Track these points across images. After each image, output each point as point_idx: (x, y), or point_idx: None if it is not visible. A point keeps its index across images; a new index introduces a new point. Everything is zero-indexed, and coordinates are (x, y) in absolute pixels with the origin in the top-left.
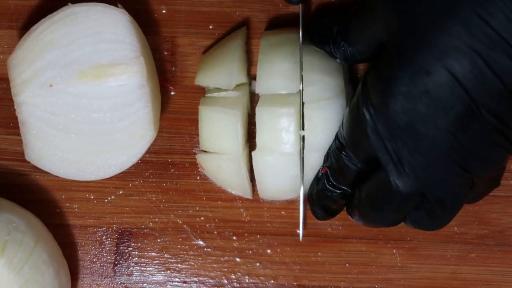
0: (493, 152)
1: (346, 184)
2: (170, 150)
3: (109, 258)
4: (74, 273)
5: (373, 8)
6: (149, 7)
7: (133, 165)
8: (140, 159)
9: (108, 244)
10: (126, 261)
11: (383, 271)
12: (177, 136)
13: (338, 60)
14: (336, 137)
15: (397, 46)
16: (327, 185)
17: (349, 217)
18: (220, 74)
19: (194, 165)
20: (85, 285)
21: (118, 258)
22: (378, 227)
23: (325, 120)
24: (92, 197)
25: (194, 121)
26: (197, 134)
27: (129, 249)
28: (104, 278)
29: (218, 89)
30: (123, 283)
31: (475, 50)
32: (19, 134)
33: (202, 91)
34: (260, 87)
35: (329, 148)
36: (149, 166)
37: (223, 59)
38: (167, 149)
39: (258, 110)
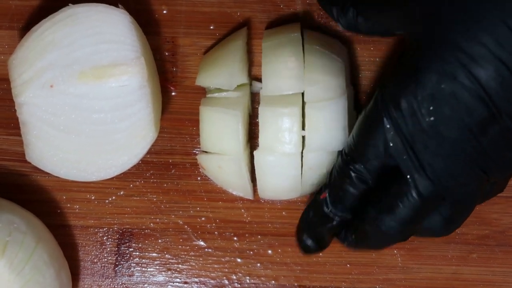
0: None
1: (348, 207)
2: (171, 150)
3: (110, 259)
4: (75, 274)
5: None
6: (150, 7)
7: (134, 165)
8: (141, 160)
9: (109, 244)
10: (127, 262)
11: (384, 271)
12: (178, 137)
13: (339, 25)
14: (342, 153)
15: (423, 48)
16: (325, 211)
17: (345, 244)
18: (221, 75)
19: (195, 165)
20: (86, 286)
21: (119, 258)
22: (383, 247)
23: (326, 120)
24: (93, 197)
25: (194, 122)
26: (198, 135)
27: (130, 249)
28: (105, 278)
29: (219, 90)
30: (124, 284)
31: (500, 59)
32: (19, 135)
33: (203, 92)
34: (266, 88)
35: (332, 168)
36: (150, 167)
37: (224, 60)
38: (168, 150)
39: (261, 110)
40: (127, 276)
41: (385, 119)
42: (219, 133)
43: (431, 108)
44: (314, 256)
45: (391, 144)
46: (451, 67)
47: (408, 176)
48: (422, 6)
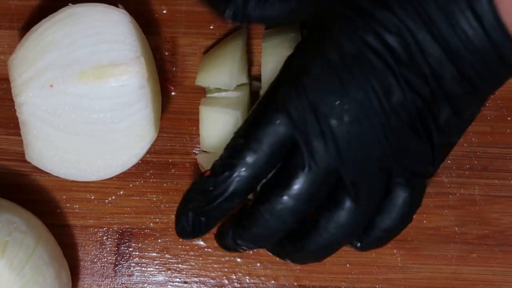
0: (414, 140)
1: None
2: (170, 150)
3: (109, 259)
4: (74, 274)
5: None
6: (149, 7)
7: (134, 165)
8: (140, 160)
9: (109, 244)
10: (126, 262)
11: (384, 271)
12: (178, 136)
13: (226, 17)
14: (237, 138)
15: (330, 16)
16: (209, 190)
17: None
18: (221, 75)
19: (195, 165)
20: (85, 286)
21: (118, 258)
22: (275, 236)
23: None
24: (92, 197)
25: (194, 121)
26: (198, 134)
27: (130, 249)
28: (105, 278)
29: (219, 90)
30: (124, 284)
31: (408, 28)
32: (19, 135)
33: (202, 91)
34: (265, 88)
35: (222, 154)
36: (149, 167)
37: (223, 60)
38: (168, 150)
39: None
40: (127, 276)
41: (290, 88)
42: (219, 133)
43: (340, 71)
44: None
45: (293, 113)
46: (360, 29)
47: (305, 146)
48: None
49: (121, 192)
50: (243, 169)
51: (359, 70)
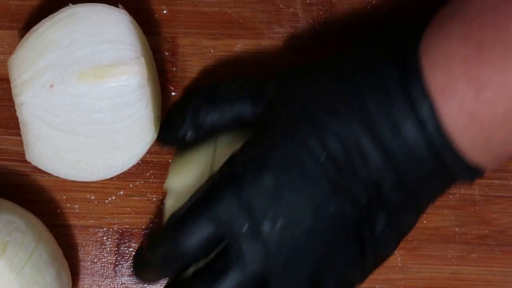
0: (347, 249)
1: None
2: (171, 150)
3: (110, 259)
4: (74, 274)
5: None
6: (149, 7)
7: (134, 165)
8: (141, 160)
9: (109, 244)
10: (127, 262)
11: (384, 271)
12: None
13: (187, 137)
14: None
15: (276, 119)
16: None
17: None
18: (191, 180)
19: None
20: (86, 286)
21: (119, 258)
22: None
23: None
24: (92, 197)
25: None
26: None
27: (130, 249)
28: (105, 278)
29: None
30: (124, 284)
31: (340, 136)
32: (20, 135)
33: None
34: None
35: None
36: (150, 167)
37: (195, 164)
38: (168, 150)
39: None
40: (127, 276)
41: (227, 189)
42: None
43: (277, 174)
44: None
45: (224, 211)
46: (302, 133)
47: (234, 247)
48: (276, 85)
49: (121, 192)
50: (169, 253)
51: (297, 175)
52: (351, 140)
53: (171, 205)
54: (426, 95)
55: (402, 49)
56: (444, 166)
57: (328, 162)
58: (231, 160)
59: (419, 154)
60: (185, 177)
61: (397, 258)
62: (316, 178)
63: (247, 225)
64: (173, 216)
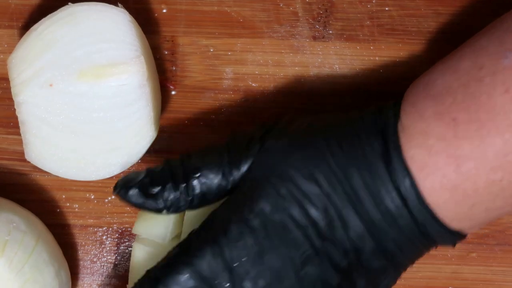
0: None
1: None
2: (170, 149)
3: (109, 258)
4: (74, 273)
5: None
6: (149, 6)
7: (134, 164)
8: (140, 159)
9: (109, 244)
10: (126, 261)
11: None
12: (178, 136)
13: (164, 211)
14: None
15: (261, 182)
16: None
17: None
18: (156, 228)
19: None
20: (85, 285)
21: (118, 258)
22: None
23: None
24: (92, 196)
25: (194, 121)
26: (197, 134)
27: (130, 249)
28: (105, 277)
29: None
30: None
31: (331, 200)
32: (19, 134)
33: (202, 91)
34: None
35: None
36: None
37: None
38: (168, 149)
39: None
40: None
41: (208, 248)
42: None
43: (260, 236)
44: None
45: (205, 270)
46: (286, 199)
47: None
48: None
49: None
50: None
51: (279, 239)
52: (333, 209)
53: (139, 250)
54: (406, 172)
55: (383, 124)
56: (426, 235)
57: (310, 229)
58: (212, 216)
59: (401, 224)
60: (152, 224)
61: None
62: (299, 243)
63: (227, 285)
64: (151, 270)
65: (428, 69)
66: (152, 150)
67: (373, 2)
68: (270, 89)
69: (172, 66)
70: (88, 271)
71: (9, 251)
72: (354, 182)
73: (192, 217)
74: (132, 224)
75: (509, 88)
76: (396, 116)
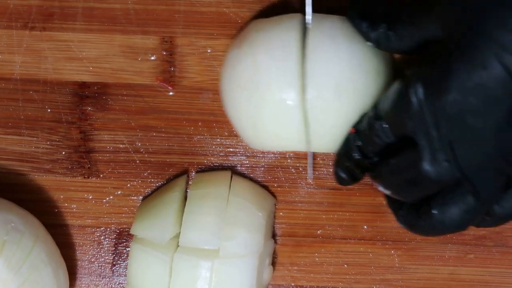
0: None
1: (373, 153)
2: (168, 150)
3: (107, 258)
4: (72, 273)
5: (430, 6)
6: (147, 7)
7: (132, 165)
8: (138, 159)
9: (106, 244)
10: (124, 261)
11: (381, 271)
12: (176, 136)
13: (368, 43)
14: (376, 107)
15: (455, 41)
16: (353, 147)
17: (374, 184)
18: (154, 228)
19: (192, 165)
20: (83, 285)
21: (116, 258)
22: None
23: (233, 277)
24: (90, 197)
25: (192, 121)
26: (197, 134)
27: (127, 249)
28: (102, 278)
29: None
30: (121, 283)
31: None
32: (17, 134)
33: (200, 92)
34: (183, 238)
35: (365, 113)
36: (147, 167)
37: (159, 212)
38: (165, 150)
39: (176, 257)
40: (124, 276)
41: (413, 99)
42: (146, 273)
43: (458, 98)
44: (311, 256)
45: (415, 122)
46: (482, 56)
47: (422, 154)
48: (454, 5)
49: (119, 192)
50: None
51: (479, 98)
52: None
53: (137, 251)
54: None
55: None
56: None
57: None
58: (414, 71)
59: None
60: (150, 224)
61: (394, 258)
62: (500, 98)
63: (428, 148)
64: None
65: None
66: (150, 150)
67: None
68: None
69: (171, 67)
70: (86, 271)
71: (7, 251)
72: None
73: (191, 217)
74: (130, 224)
75: None
76: None
